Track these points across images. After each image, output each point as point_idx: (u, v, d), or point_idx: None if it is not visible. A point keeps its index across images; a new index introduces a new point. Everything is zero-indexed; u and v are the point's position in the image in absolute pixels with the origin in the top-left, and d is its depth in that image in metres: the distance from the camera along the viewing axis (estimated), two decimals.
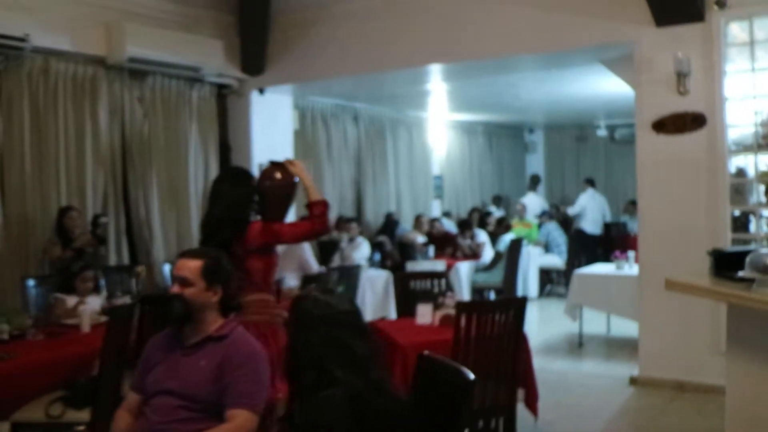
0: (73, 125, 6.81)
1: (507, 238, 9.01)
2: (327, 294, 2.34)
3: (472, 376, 2.42)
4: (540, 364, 6.97)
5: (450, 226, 10.98)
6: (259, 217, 3.92)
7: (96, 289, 5.56)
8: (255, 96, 8.41)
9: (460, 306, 4.00)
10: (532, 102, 10.98)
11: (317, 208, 3.88)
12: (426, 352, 2.71)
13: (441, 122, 12.34)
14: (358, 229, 8.65)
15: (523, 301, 4.23)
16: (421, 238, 9.17)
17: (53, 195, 6.62)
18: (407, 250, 8.92)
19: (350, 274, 6.14)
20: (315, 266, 7.71)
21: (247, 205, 3.88)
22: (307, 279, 6.00)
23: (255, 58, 8.12)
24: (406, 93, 9.69)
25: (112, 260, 7.10)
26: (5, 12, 5.90)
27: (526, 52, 6.76)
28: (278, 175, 3.96)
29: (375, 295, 7.96)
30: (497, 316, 4.04)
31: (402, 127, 11.49)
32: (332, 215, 9.63)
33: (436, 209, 12.04)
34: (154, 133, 7.53)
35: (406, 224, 10.60)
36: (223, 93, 8.45)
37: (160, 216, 7.59)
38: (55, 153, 6.66)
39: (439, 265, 8.74)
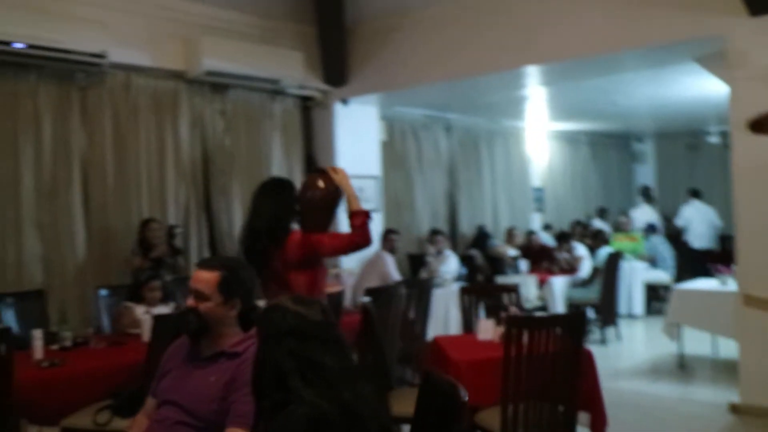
0: (155, 139, 6.92)
1: (604, 252, 8.50)
2: (299, 304, 2.11)
3: (465, 396, 2.15)
4: (635, 386, 6.54)
5: (549, 239, 10.53)
6: (297, 228, 3.77)
7: (165, 299, 5.57)
8: (338, 107, 8.33)
9: (510, 321, 3.69)
10: (635, 108, 10.40)
11: (358, 219, 3.67)
12: (431, 369, 2.44)
13: (541, 132, 11.90)
14: (446, 242, 8.39)
15: (581, 316, 3.86)
16: (512, 252, 8.80)
17: (135, 207, 6.74)
18: (497, 264, 8.58)
19: (421, 288, 5.89)
20: (397, 278, 7.52)
21: (286, 217, 3.71)
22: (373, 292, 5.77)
23: (336, 68, 8.05)
24: (501, 100, 9.31)
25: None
26: (84, 29, 6.04)
27: (615, 49, 6.27)
28: (321, 184, 3.79)
29: (459, 310, 7.65)
30: (552, 333, 3.70)
31: (498, 137, 11.15)
32: (423, 228, 9.48)
33: (536, 222, 11.60)
34: (236, 146, 7.57)
35: (501, 238, 10.26)
36: (307, 105, 8.44)
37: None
38: (137, 166, 6.78)
39: (530, 280, 8.36)
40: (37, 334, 4.48)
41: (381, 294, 5.17)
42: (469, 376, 3.92)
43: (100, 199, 6.56)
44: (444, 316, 7.46)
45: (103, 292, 5.86)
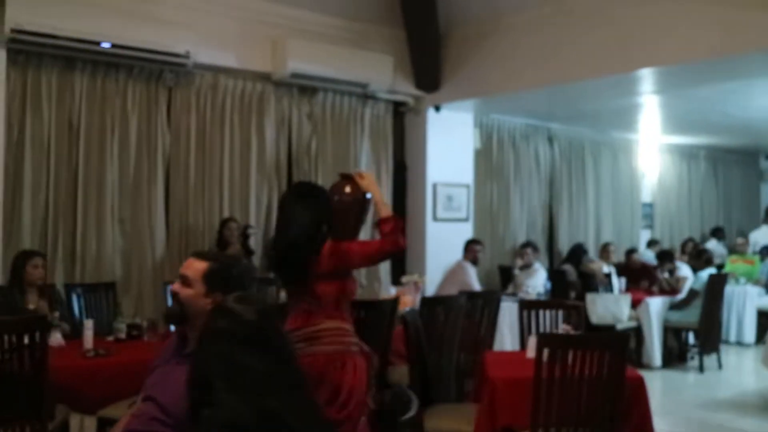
0: (239, 139, 7.01)
1: (705, 274, 7.90)
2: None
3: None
4: (719, 418, 6.02)
5: (652, 257, 9.94)
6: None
7: None
8: (431, 113, 8.18)
9: (542, 339, 3.42)
10: (763, 120, 9.64)
11: (387, 226, 3.43)
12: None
13: (653, 145, 11.26)
14: (535, 255, 8.05)
15: (623, 337, 3.53)
16: (606, 269, 8.33)
17: (216, 207, 6.84)
18: (589, 281, 8.15)
19: (487, 300, 5.62)
20: (477, 289, 7.28)
21: (325, 224, 3.55)
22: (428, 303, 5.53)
23: (429, 73, 7.90)
24: (609, 109, 8.85)
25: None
26: (169, 30, 6.20)
27: (739, 50, 5.69)
28: (348, 190, 3.61)
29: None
30: (591, 354, 3.40)
31: (606, 149, 10.64)
32: (518, 240, 9.16)
33: (644, 239, 10.99)
34: (322, 149, 7.56)
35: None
36: (400, 111, 8.34)
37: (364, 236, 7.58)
38: (220, 166, 6.88)
39: (624, 299, 7.88)
40: (88, 324, 4.58)
41: (436, 305, 4.97)
42: (503, 395, 3.68)
43: (181, 196, 6.70)
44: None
45: (169, 287, 5.95)
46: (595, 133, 10.42)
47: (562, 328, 4.19)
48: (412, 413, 3.42)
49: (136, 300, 6.37)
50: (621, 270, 9.16)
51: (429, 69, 7.86)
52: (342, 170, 7.58)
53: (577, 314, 4.83)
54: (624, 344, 3.44)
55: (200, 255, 2.77)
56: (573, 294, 8.33)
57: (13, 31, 5.51)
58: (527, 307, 5.10)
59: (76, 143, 6.20)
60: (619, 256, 9.68)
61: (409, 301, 5.85)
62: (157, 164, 6.56)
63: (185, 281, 2.70)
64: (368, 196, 3.59)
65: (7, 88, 5.86)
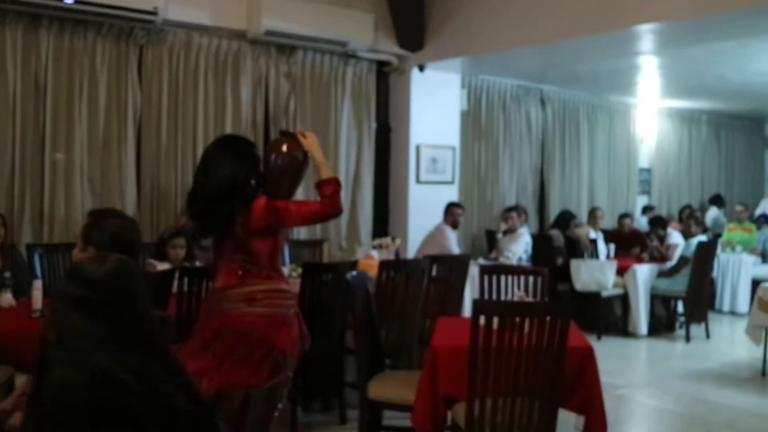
0: (213, 99, 6.86)
1: (695, 241, 7.71)
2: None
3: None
4: (700, 389, 5.89)
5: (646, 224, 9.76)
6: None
7: (189, 258, 5.49)
8: (415, 74, 7.98)
9: (478, 306, 3.28)
10: (764, 85, 9.35)
11: (327, 188, 3.35)
12: None
13: (651, 109, 10.99)
14: (519, 220, 7.87)
15: (565, 306, 3.39)
16: (593, 234, 8.15)
17: (189, 167, 6.69)
18: (575, 247, 7.98)
19: (453, 265, 5.48)
20: (456, 253, 7.15)
21: (252, 176, 3.42)
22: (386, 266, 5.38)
23: (412, 32, 7.69)
24: (607, 70, 8.51)
25: None
26: None
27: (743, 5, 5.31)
28: (284, 148, 3.48)
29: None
30: (531, 322, 3.27)
31: (602, 112, 10.39)
32: (509, 202, 8.98)
33: (639, 205, 10.78)
34: (300, 110, 7.40)
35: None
36: (385, 71, 8.14)
37: (305, 195, 7.45)
38: (193, 126, 6.74)
39: (608, 266, 7.72)
40: (37, 285, 4.48)
41: (397, 269, 4.84)
42: (444, 363, 3.56)
43: (153, 157, 6.59)
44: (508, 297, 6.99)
45: None
46: (591, 96, 10.17)
47: (517, 294, 4.05)
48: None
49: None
50: (611, 236, 8.99)
51: (412, 27, 7.66)
52: (322, 130, 7.50)
53: (542, 281, 4.70)
54: (564, 312, 3.29)
55: (90, 213, 2.75)
56: (560, 260, 8.19)
57: None
58: (487, 272, 4.95)
59: (43, 102, 6.08)
60: (613, 222, 9.51)
61: (375, 265, 5.72)
62: (128, 124, 6.43)
63: (77, 239, 2.68)
64: (308, 155, 3.47)
65: None
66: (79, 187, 6.22)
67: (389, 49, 7.77)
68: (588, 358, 3.61)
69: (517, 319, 3.26)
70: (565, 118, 9.87)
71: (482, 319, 3.26)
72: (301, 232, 7.32)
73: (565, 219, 8.65)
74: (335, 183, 3.36)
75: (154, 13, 6.10)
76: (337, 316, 4.73)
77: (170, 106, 6.65)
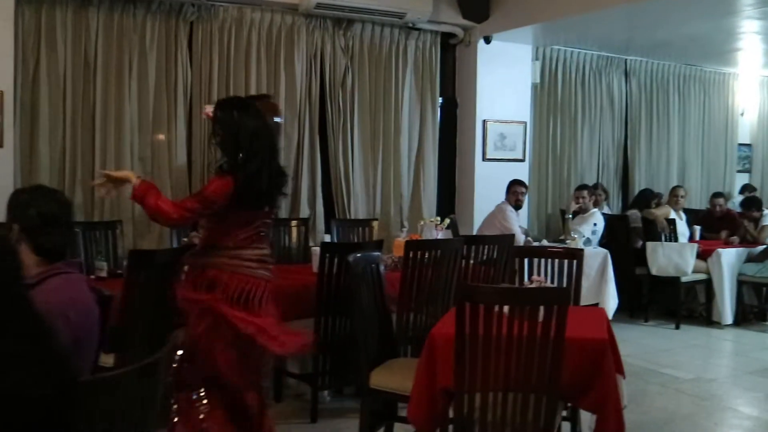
0: (266, 75, 6.72)
1: None
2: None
3: None
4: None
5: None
6: None
7: None
8: (481, 45, 7.59)
9: (462, 291, 2.96)
10: None
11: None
12: None
13: (753, 79, 10.08)
14: (592, 199, 7.36)
15: (561, 293, 3.02)
16: (673, 215, 7.53)
17: None
18: (652, 228, 7.40)
19: (496, 246, 5.11)
20: (519, 237, 6.76)
21: None
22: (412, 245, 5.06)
23: (475, 1, 7.31)
24: (703, 35, 7.69)
25: (305, 213, 6.94)
26: None
27: None
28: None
29: (587, 277, 6.70)
30: (523, 311, 2.93)
31: (695, 84, 9.60)
32: (589, 180, 8.43)
33: (740, 184, 9.94)
34: (359, 85, 7.18)
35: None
36: (451, 43, 7.80)
37: (363, 172, 7.25)
38: None
39: (689, 250, 7.14)
40: None
41: (424, 249, 4.55)
42: (441, 353, 3.26)
43: (203, 134, 6.53)
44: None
45: None
46: (683, 66, 9.42)
47: (533, 279, 3.69)
48: None
49: (158, 240, 6.29)
50: (701, 217, 8.33)
51: None
52: (381, 105, 7.24)
53: (576, 264, 4.30)
54: (565, 300, 2.93)
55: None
56: (639, 242, 7.63)
57: None
58: (519, 254, 4.58)
59: (93, 81, 6.12)
60: (706, 202, 8.81)
61: None
62: (178, 102, 6.41)
63: None
64: None
65: (22, 25, 5.84)
66: (129, 165, 6.22)
67: (452, 19, 7.43)
68: (601, 351, 3.22)
69: (506, 307, 2.93)
70: (652, 91, 9.19)
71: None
72: (354, 211, 7.11)
73: (646, 198, 8.05)
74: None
75: None
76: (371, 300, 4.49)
77: (221, 83, 6.57)
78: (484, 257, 5.22)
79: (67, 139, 6.06)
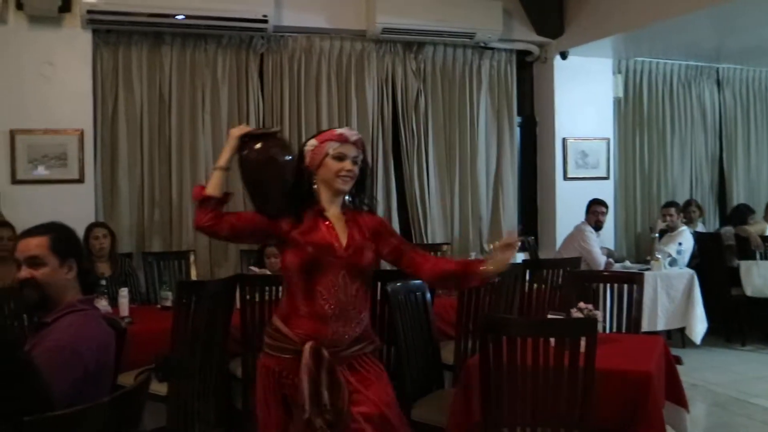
0: (337, 102, 6.79)
1: None
2: None
3: None
4: None
5: None
6: None
7: None
8: (558, 61, 7.40)
9: (485, 323, 2.83)
10: None
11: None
12: None
13: None
14: (678, 217, 6.99)
15: (592, 322, 2.83)
16: None
17: None
18: (746, 246, 6.95)
19: (557, 269, 4.91)
20: (598, 259, 6.51)
21: None
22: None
23: (548, 15, 7.17)
24: None
25: None
26: None
27: None
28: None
29: (671, 300, 6.37)
30: (548, 343, 2.78)
31: None
32: (682, 197, 8.03)
33: None
34: (432, 107, 7.13)
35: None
36: (527, 61, 7.63)
37: (439, 195, 7.18)
38: (317, 130, 6.69)
39: None
40: (123, 293, 4.65)
41: None
42: (479, 384, 3.14)
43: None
44: (651, 305, 6.26)
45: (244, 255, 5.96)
46: None
47: (580, 306, 3.49)
48: None
49: (233, 268, 6.40)
50: None
51: (548, 11, 7.12)
52: (457, 127, 7.15)
53: (637, 289, 4.07)
54: (593, 330, 2.77)
55: (30, 233, 2.58)
56: (735, 261, 7.18)
57: (88, 12, 5.72)
58: (575, 279, 4.36)
59: (168, 116, 6.35)
60: None
61: None
62: None
63: (34, 262, 2.53)
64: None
65: (100, 66, 6.15)
66: None
67: (526, 37, 7.28)
68: (644, 383, 3.02)
69: (529, 339, 2.79)
70: (749, 100, 8.66)
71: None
72: (432, 235, 7.03)
73: (742, 214, 7.56)
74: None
75: (264, 20, 6.15)
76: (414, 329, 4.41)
77: (293, 112, 6.67)
78: (559, 281, 5.04)
79: (145, 173, 6.30)
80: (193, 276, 5.83)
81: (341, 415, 2.48)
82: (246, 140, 2.70)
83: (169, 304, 4.92)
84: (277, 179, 2.68)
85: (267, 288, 4.26)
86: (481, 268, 2.59)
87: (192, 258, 5.95)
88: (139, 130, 6.28)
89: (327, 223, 2.64)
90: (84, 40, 5.99)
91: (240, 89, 6.52)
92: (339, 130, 2.71)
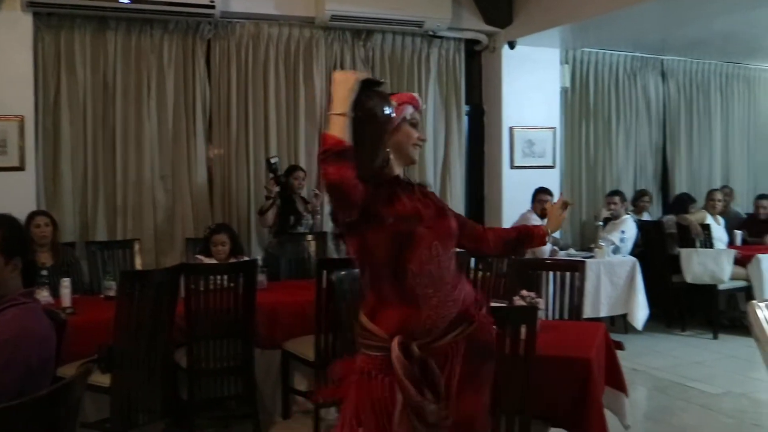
0: (285, 90, 6.73)
1: None
2: None
3: None
4: None
5: None
6: None
7: (236, 253, 5.36)
8: (506, 51, 7.45)
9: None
10: None
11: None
12: None
13: None
14: (622, 205, 7.13)
15: (529, 311, 2.88)
16: (710, 219, 7.21)
17: (261, 160, 6.59)
18: (686, 234, 7.12)
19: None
20: (543, 247, 6.58)
21: None
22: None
23: (497, 5, 7.18)
24: (747, 30, 7.36)
25: (328, 226, 6.90)
26: None
27: None
28: None
29: (614, 287, 6.51)
30: None
31: (739, 82, 9.23)
32: (626, 185, 8.20)
33: None
34: None
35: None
36: (476, 50, 7.68)
37: None
38: (265, 118, 6.65)
39: (725, 256, 6.85)
40: (65, 283, 4.57)
41: None
42: None
43: (224, 151, 6.58)
44: (594, 292, 6.38)
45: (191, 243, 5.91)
46: (724, 65, 9.08)
47: (522, 294, 3.55)
48: None
49: (180, 257, 6.33)
50: (745, 221, 8.01)
51: (497, 0, 7.14)
52: None
53: (579, 277, 4.15)
54: (533, 318, 2.81)
55: None
56: (676, 249, 7.35)
57: None
58: (519, 267, 4.43)
59: (113, 102, 6.23)
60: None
61: None
62: (197, 119, 6.46)
63: None
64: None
65: (42, 51, 6.00)
66: (150, 183, 6.33)
67: (475, 26, 7.32)
68: (584, 370, 3.09)
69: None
70: (692, 91, 8.87)
71: None
72: None
73: (683, 203, 7.75)
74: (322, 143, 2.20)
75: (211, 6, 6.06)
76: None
77: (240, 99, 6.61)
78: (504, 269, 5.09)
79: (88, 160, 6.18)
80: (138, 265, 5.74)
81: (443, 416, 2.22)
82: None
83: (113, 293, 4.81)
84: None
85: (212, 277, 4.22)
86: (541, 229, 2.69)
87: (137, 247, 5.85)
88: (82, 116, 6.15)
89: (406, 191, 2.36)
90: (24, 23, 5.83)
91: (186, 76, 6.43)
92: (414, 94, 2.48)
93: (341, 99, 2.18)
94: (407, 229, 2.24)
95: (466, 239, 2.54)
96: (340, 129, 2.13)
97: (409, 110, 2.39)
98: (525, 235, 2.68)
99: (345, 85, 2.21)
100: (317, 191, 6.33)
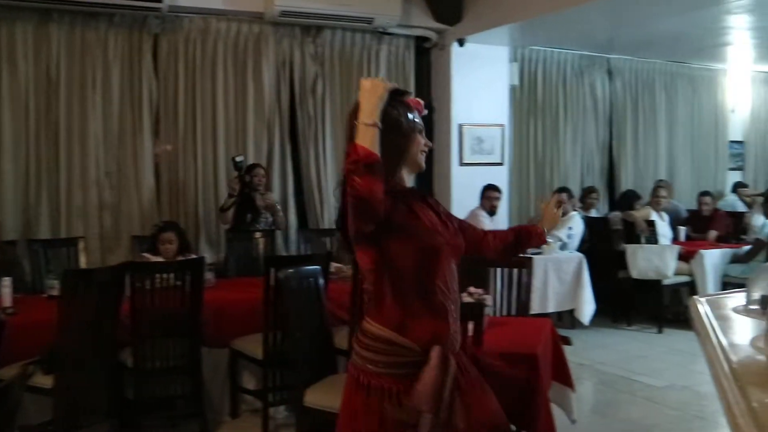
0: (234, 86, 6.68)
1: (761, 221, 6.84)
2: None
3: None
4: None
5: (739, 204, 8.86)
6: None
7: (183, 251, 5.29)
8: (455, 48, 7.49)
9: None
10: None
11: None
12: None
13: (744, 75, 9.86)
14: (569, 202, 7.24)
15: (478, 307, 2.91)
16: (654, 216, 7.37)
17: (210, 156, 6.59)
18: (631, 231, 7.26)
19: None
20: None
21: None
22: None
23: (446, 3, 7.22)
24: (690, 31, 7.53)
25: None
26: None
27: None
28: None
29: (562, 282, 6.61)
30: None
31: (682, 81, 9.44)
32: (574, 182, 8.31)
33: (732, 182, 9.75)
34: (330, 92, 7.10)
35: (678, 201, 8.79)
36: (425, 47, 7.70)
37: (335, 179, 7.17)
38: (213, 114, 6.60)
39: (669, 252, 7.00)
40: (6, 282, 4.45)
41: None
42: None
43: (171, 147, 6.49)
44: (542, 288, 6.46)
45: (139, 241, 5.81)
46: (669, 64, 9.27)
47: (470, 291, 3.57)
48: None
49: (126, 255, 6.21)
50: (688, 217, 8.19)
51: None
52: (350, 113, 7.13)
53: (526, 273, 4.19)
54: (479, 315, 2.84)
55: None
56: (622, 245, 7.48)
57: None
58: (468, 264, 4.45)
59: (56, 96, 6.10)
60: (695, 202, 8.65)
61: None
62: (144, 115, 6.36)
63: None
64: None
65: None
66: (95, 180, 6.21)
67: (424, 23, 7.34)
68: (530, 367, 3.12)
69: None
70: (637, 90, 9.04)
71: None
72: (329, 220, 7.00)
73: (629, 200, 7.91)
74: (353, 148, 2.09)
75: (158, 0, 5.97)
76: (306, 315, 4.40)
77: (188, 95, 6.54)
78: None
79: (30, 156, 6.04)
80: (83, 264, 5.62)
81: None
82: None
83: (56, 293, 4.73)
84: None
85: (159, 275, 4.16)
86: (538, 228, 2.67)
87: (81, 245, 5.72)
88: (24, 110, 6.00)
89: (420, 204, 2.29)
90: None
91: (133, 70, 6.33)
92: (418, 99, 2.39)
93: (371, 108, 2.10)
94: (433, 243, 2.19)
95: (468, 244, 2.47)
96: (370, 140, 2.05)
97: (416, 116, 2.34)
98: (524, 236, 2.67)
99: (374, 93, 2.14)
100: (263, 192, 6.26)
